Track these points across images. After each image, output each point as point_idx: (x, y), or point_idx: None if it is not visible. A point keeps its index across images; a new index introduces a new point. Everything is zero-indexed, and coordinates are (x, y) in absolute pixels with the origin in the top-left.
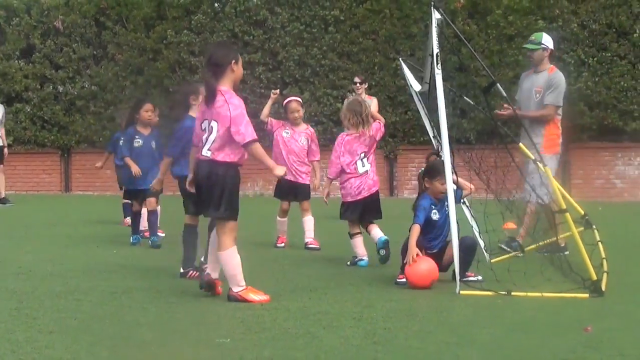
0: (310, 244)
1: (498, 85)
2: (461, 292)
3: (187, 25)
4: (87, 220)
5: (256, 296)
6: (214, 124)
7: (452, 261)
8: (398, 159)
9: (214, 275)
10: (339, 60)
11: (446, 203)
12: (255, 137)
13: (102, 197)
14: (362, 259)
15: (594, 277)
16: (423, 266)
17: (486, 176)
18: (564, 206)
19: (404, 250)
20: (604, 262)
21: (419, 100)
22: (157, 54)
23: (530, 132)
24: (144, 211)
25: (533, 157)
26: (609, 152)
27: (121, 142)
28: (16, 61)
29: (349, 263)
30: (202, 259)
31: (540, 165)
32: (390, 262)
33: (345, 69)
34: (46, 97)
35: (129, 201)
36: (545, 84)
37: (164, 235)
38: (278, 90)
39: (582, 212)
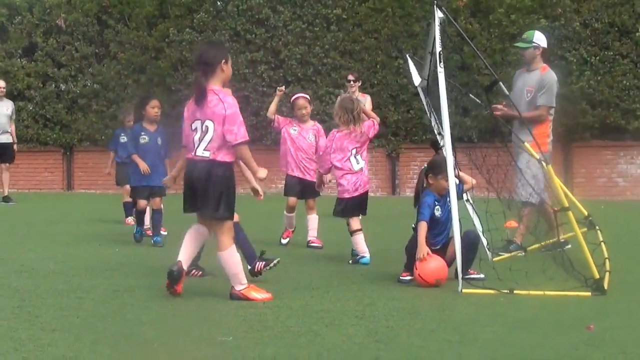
0: (313, 243)
1: (500, 83)
2: (463, 290)
3: (190, 23)
4: (90, 218)
5: (258, 294)
6: (209, 123)
7: (454, 257)
8: (400, 158)
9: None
10: (341, 58)
11: (448, 199)
12: (247, 138)
13: (104, 196)
14: (363, 256)
15: (597, 276)
16: (432, 264)
17: (489, 174)
18: (566, 204)
19: (409, 248)
20: (607, 261)
21: (425, 97)
22: (160, 53)
23: (519, 131)
24: (148, 209)
25: (538, 157)
26: (611, 151)
27: (122, 138)
28: (18, 59)
29: (350, 262)
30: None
31: (544, 164)
32: (392, 260)
33: (347, 68)
34: (48, 95)
35: (131, 200)
36: (537, 84)
37: (166, 233)
38: (284, 87)
39: (586, 213)
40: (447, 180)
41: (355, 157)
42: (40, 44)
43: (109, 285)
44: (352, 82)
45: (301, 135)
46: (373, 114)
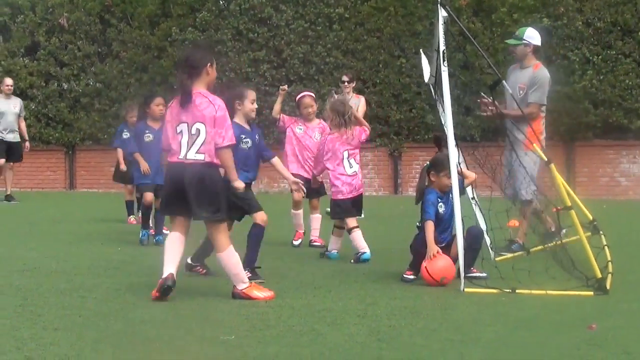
0: (315, 242)
1: (504, 82)
2: (465, 289)
3: (192, 22)
4: (92, 217)
5: (260, 293)
6: (200, 126)
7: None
8: (402, 157)
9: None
10: (343, 57)
11: (451, 195)
12: (234, 142)
13: (106, 195)
14: (364, 252)
15: (599, 275)
16: (441, 262)
17: (492, 173)
18: (568, 203)
19: (414, 247)
20: (609, 264)
21: (435, 93)
22: (162, 52)
23: (512, 128)
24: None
25: (546, 158)
26: (614, 150)
27: (124, 134)
28: (21, 58)
29: (352, 261)
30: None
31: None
32: (394, 259)
33: (349, 67)
34: (51, 94)
35: (133, 199)
36: (529, 81)
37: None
38: (286, 85)
39: (590, 218)
40: (449, 178)
41: (348, 160)
42: (42, 43)
43: (111, 284)
44: (346, 83)
45: (307, 134)
46: (365, 122)
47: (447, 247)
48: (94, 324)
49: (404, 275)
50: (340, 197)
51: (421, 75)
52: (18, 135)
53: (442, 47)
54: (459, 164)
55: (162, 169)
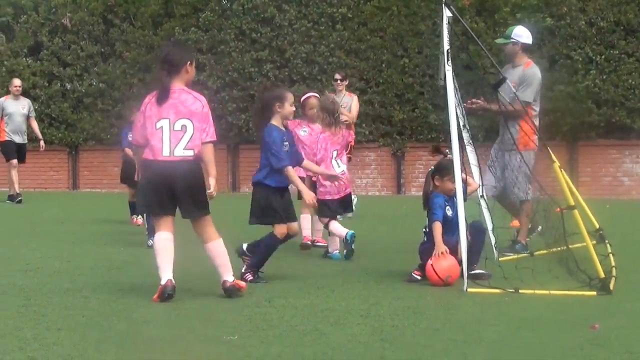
0: (318, 242)
1: (508, 81)
2: (468, 289)
3: (195, 22)
4: (95, 217)
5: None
6: (186, 122)
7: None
8: (405, 157)
9: (230, 279)
10: (346, 57)
11: (455, 199)
12: (215, 138)
13: (109, 195)
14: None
15: (602, 275)
16: (447, 262)
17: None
18: (572, 202)
19: (423, 250)
20: (613, 269)
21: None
22: None
23: (503, 128)
24: None
25: (556, 161)
26: (617, 150)
27: (129, 136)
28: (24, 58)
29: (342, 255)
30: None
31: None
32: (397, 259)
33: (352, 67)
34: (54, 94)
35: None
36: (518, 80)
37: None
38: None
39: (597, 226)
40: (453, 182)
41: (335, 160)
42: (45, 43)
43: (114, 284)
44: (339, 81)
45: (312, 137)
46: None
47: (453, 251)
48: (97, 324)
49: (412, 274)
50: (328, 197)
51: (424, 75)
52: (26, 137)
53: (446, 47)
54: (464, 171)
55: None
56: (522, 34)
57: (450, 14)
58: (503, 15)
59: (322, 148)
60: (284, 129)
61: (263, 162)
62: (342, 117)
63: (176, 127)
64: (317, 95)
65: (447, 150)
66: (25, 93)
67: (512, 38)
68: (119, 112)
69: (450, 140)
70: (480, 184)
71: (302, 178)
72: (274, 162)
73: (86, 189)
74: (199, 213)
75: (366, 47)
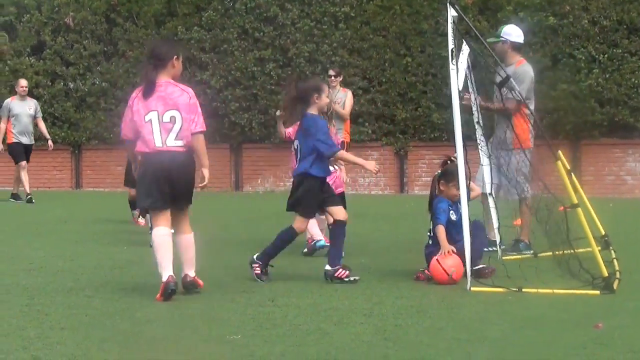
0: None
1: (512, 80)
2: (472, 288)
3: (198, 21)
4: (98, 216)
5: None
6: (174, 113)
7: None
8: (408, 156)
9: (192, 274)
10: (349, 56)
11: (459, 205)
12: (205, 128)
13: (112, 194)
14: (318, 241)
15: (605, 274)
16: (453, 260)
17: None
18: (575, 201)
19: (428, 254)
20: (617, 273)
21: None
22: None
23: (499, 126)
24: None
25: (565, 164)
26: (620, 149)
27: None
28: (27, 58)
29: (305, 250)
30: None
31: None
32: (400, 258)
33: (355, 66)
34: (57, 93)
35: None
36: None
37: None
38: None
39: (603, 232)
40: (458, 189)
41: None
42: (48, 42)
43: (117, 283)
44: (333, 77)
45: None
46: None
47: (461, 252)
48: (100, 323)
49: (418, 276)
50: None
51: (427, 74)
52: (32, 138)
53: (450, 46)
54: (468, 177)
55: None
56: (511, 32)
57: (455, 14)
58: (506, 14)
59: None
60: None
61: (306, 151)
62: (338, 110)
63: (165, 118)
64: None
65: (454, 157)
66: (28, 92)
67: (502, 37)
68: (121, 112)
69: (455, 140)
70: (491, 182)
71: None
72: (325, 149)
73: (89, 188)
74: (187, 204)
75: (369, 46)
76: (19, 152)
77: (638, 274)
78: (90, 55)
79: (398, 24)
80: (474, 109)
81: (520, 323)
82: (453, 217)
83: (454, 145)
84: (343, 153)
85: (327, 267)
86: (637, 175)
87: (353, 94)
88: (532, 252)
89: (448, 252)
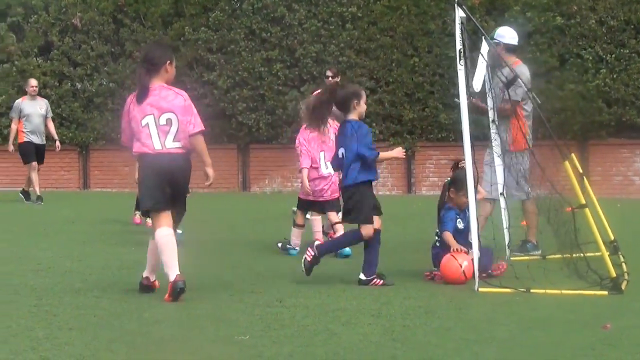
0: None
1: (519, 79)
2: (480, 289)
3: (205, 22)
4: (106, 217)
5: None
6: (170, 115)
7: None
8: (416, 156)
9: (152, 277)
10: (356, 57)
11: (467, 213)
12: (203, 128)
13: (120, 194)
14: (294, 249)
15: (613, 275)
16: (461, 258)
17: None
18: (583, 201)
19: (435, 255)
20: (626, 274)
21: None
22: (175, 51)
23: (498, 128)
24: None
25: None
26: (628, 149)
27: None
28: (34, 58)
29: (279, 245)
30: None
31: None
32: (408, 259)
33: (362, 66)
34: (64, 94)
35: None
36: (507, 79)
37: (180, 232)
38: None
39: (612, 237)
40: (467, 197)
41: (324, 161)
42: (56, 43)
43: (125, 284)
44: (330, 78)
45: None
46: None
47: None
48: (108, 324)
49: (425, 275)
50: (310, 198)
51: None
52: (44, 138)
53: (458, 46)
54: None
55: None
56: (505, 34)
57: (463, 14)
58: (513, 14)
59: (310, 147)
60: None
61: (351, 158)
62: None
63: (161, 121)
64: None
65: (462, 163)
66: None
67: (495, 39)
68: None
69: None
70: (503, 182)
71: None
72: (369, 154)
73: (97, 188)
74: (183, 207)
75: (376, 47)
76: (29, 153)
77: None
78: (98, 55)
79: (405, 24)
80: (490, 107)
81: (528, 324)
82: (460, 225)
83: (462, 146)
84: (382, 154)
85: (362, 276)
86: None
87: None
88: (539, 252)
89: (459, 249)
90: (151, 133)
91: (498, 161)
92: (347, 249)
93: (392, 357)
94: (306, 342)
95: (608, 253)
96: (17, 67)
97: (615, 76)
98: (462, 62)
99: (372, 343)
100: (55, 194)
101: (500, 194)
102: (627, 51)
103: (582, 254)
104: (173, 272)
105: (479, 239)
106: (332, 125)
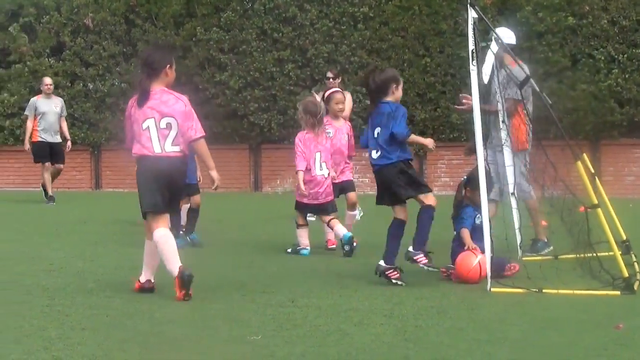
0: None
1: (531, 80)
2: (492, 289)
3: (217, 22)
4: (118, 217)
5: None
6: (170, 120)
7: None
8: (427, 156)
9: (152, 279)
10: (368, 57)
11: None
12: (204, 133)
13: (132, 194)
14: (305, 249)
15: (626, 275)
16: (478, 254)
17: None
18: (595, 201)
19: (454, 254)
20: (638, 274)
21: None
22: (187, 52)
23: (494, 128)
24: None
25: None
26: None
27: None
28: (46, 59)
29: (289, 250)
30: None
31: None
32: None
33: (374, 66)
34: (76, 94)
35: None
36: (506, 79)
37: (195, 236)
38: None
39: (624, 237)
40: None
41: (320, 162)
42: (68, 43)
43: None
44: (331, 80)
45: (337, 137)
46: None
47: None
48: (121, 324)
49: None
50: (305, 201)
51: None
52: (59, 136)
53: (471, 47)
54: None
55: (190, 166)
56: (502, 35)
57: (475, 15)
58: (525, 15)
59: (306, 147)
60: None
61: (386, 137)
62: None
63: (162, 125)
64: (341, 90)
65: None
66: None
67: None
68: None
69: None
70: (514, 182)
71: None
72: (406, 133)
73: (109, 188)
74: (177, 209)
75: (388, 47)
76: (43, 153)
77: None
78: (110, 56)
79: (417, 24)
80: (500, 107)
81: (540, 324)
82: (478, 221)
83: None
84: (413, 136)
85: (382, 263)
86: None
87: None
88: (550, 248)
89: (474, 248)
90: (151, 136)
91: (509, 161)
92: (307, 250)
93: (405, 358)
94: (318, 342)
95: (620, 253)
96: (30, 67)
97: (627, 76)
98: (475, 62)
99: (385, 343)
100: (67, 194)
101: (511, 194)
102: (639, 51)
103: (594, 254)
104: (176, 266)
105: (491, 239)
106: (331, 124)
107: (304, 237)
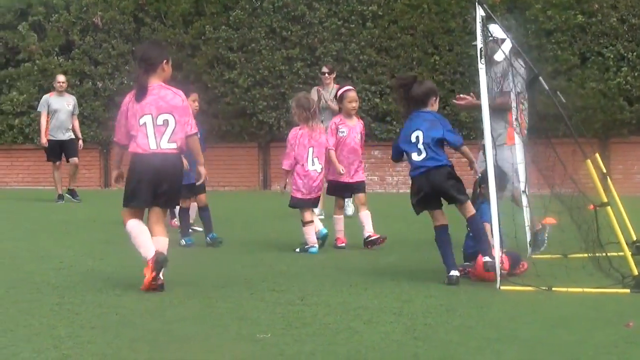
0: (372, 237)
1: (540, 78)
2: (501, 287)
3: (226, 21)
4: None
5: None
6: (167, 116)
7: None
8: None
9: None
10: (377, 55)
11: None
12: (197, 130)
13: None
14: (313, 247)
15: (635, 273)
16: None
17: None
18: (605, 199)
19: (469, 251)
20: None
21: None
22: (196, 50)
23: (492, 122)
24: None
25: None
26: None
27: None
28: (55, 57)
29: (297, 250)
30: None
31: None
32: (428, 257)
33: (383, 65)
34: (85, 93)
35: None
36: (501, 74)
37: (216, 235)
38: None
39: (634, 238)
40: None
41: (312, 157)
42: (77, 42)
43: None
44: (326, 75)
45: (350, 136)
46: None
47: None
48: (130, 322)
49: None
50: (299, 195)
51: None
52: (70, 133)
53: (479, 45)
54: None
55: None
56: (493, 31)
57: (483, 13)
58: (534, 13)
59: (300, 144)
60: None
61: (429, 142)
62: (332, 107)
63: (158, 121)
64: (354, 88)
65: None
66: None
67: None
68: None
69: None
70: (525, 180)
71: (336, 182)
72: (457, 140)
73: (117, 187)
74: (173, 204)
75: (397, 45)
76: (52, 152)
77: None
78: (119, 54)
79: (426, 22)
80: (513, 105)
81: (550, 322)
82: None
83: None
84: (465, 147)
85: (454, 273)
86: None
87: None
88: (546, 235)
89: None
90: (148, 132)
91: (520, 159)
92: (316, 248)
93: (414, 356)
94: (328, 340)
95: (630, 252)
96: (39, 66)
97: (636, 74)
98: (483, 61)
99: (394, 341)
100: (77, 192)
101: (523, 191)
102: None
103: (604, 253)
104: (152, 251)
105: (500, 236)
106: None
107: (311, 235)
